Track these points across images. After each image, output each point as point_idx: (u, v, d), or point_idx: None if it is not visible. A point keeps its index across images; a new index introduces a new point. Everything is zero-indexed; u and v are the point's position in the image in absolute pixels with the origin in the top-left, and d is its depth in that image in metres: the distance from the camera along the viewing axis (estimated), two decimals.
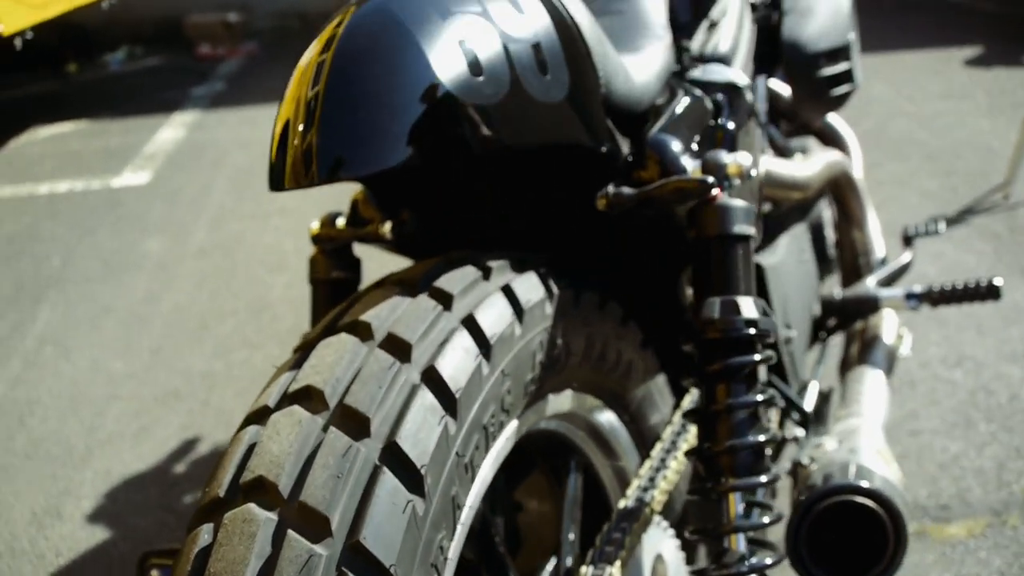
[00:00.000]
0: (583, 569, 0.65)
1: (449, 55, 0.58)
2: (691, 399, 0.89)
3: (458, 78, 0.57)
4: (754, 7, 1.29)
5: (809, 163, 1.26)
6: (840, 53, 1.26)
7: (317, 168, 0.56)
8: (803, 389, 1.21)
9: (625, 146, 0.72)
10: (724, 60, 1.11)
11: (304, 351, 0.56)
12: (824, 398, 1.19)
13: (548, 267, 0.66)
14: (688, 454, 0.71)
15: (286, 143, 0.57)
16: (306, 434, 0.48)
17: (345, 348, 0.52)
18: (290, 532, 0.44)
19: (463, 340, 0.54)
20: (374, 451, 0.48)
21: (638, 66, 0.79)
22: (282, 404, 0.51)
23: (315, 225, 0.86)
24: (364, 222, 0.81)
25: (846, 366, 1.27)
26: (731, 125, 0.85)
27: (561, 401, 0.69)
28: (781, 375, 1.14)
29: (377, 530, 0.45)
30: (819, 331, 1.32)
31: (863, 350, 1.28)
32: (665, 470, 0.76)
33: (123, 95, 4.54)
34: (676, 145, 0.72)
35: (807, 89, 1.27)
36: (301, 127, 0.57)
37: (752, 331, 0.67)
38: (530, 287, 0.62)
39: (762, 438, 0.67)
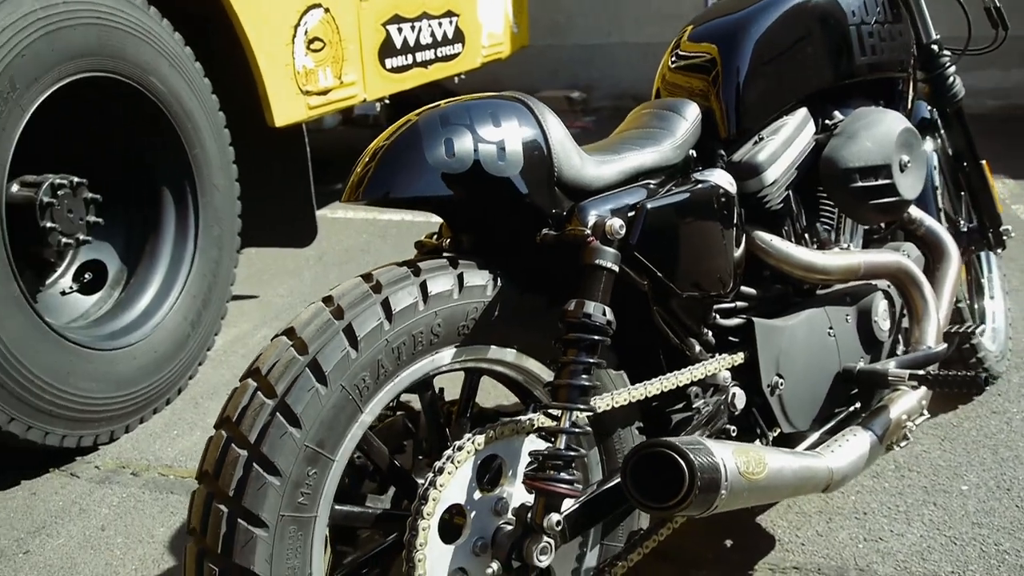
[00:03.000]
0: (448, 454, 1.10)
1: (440, 145, 1.10)
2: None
3: (440, 157, 1.10)
4: (820, 132, 1.62)
5: (840, 256, 1.56)
6: (879, 171, 1.54)
7: (363, 191, 1.11)
8: (796, 434, 1.51)
9: (566, 207, 1.18)
10: (756, 169, 1.49)
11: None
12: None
13: (476, 271, 1.14)
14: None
15: (355, 174, 1.13)
16: (285, 349, 1.03)
17: (319, 309, 1.06)
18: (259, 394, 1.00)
19: (376, 311, 1.04)
20: (309, 366, 1.00)
21: (602, 163, 1.24)
22: (280, 334, 1.06)
23: (422, 238, 1.41)
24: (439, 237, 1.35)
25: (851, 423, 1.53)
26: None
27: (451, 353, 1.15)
28: (768, 412, 1.47)
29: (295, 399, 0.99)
30: (843, 395, 1.58)
31: (869, 415, 1.53)
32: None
33: None
34: (593, 211, 1.17)
35: (841, 199, 1.57)
36: (367, 166, 1.12)
37: (588, 321, 1.09)
38: (440, 282, 1.10)
39: (586, 381, 1.09)
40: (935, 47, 1.93)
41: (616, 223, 1.14)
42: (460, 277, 1.12)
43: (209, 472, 0.99)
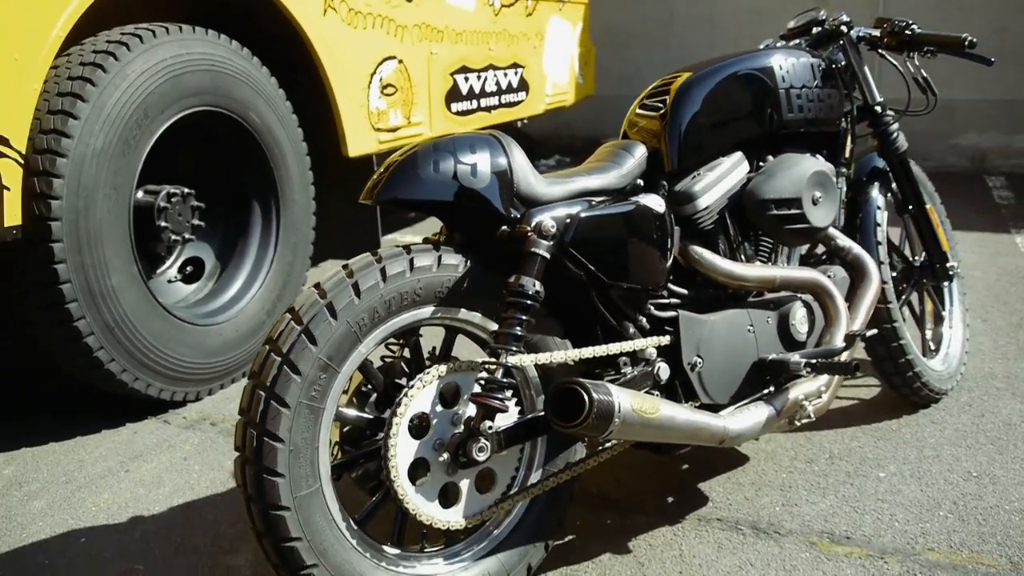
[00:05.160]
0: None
1: (430, 164, 1.59)
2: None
3: (429, 173, 1.58)
4: (753, 171, 2.04)
5: (757, 269, 1.97)
6: (792, 202, 1.95)
7: (375, 195, 1.60)
8: (712, 407, 1.90)
9: (521, 213, 1.64)
10: (690, 196, 1.92)
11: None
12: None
13: (452, 254, 1.61)
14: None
15: (371, 181, 1.62)
16: (312, 295, 1.51)
17: (338, 271, 1.55)
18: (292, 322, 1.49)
19: (375, 274, 1.52)
20: (326, 307, 1.49)
21: (552, 183, 1.70)
22: (312, 287, 1.54)
23: (429, 235, 1.89)
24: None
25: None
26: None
27: (429, 310, 1.60)
28: (689, 385, 1.88)
29: (314, 326, 1.47)
30: (760, 380, 1.97)
31: (773, 393, 1.92)
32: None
33: None
34: (537, 216, 1.62)
35: (761, 224, 1.98)
36: (380, 176, 1.62)
37: (521, 290, 1.54)
38: (424, 259, 1.57)
39: (519, 332, 1.54)
40: (879, 108, 2.33)
41: (549, 223, 1.60)
42: (439, 257, 1.60)
43: (255, 371, 1.48)
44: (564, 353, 1.67)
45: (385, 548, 1.59)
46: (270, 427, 1.44)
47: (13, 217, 2.15)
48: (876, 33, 2.30)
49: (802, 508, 2.05)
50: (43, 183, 2.23)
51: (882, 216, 2.39)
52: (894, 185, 2.47)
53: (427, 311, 1.59)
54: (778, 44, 2.35)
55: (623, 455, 2.21)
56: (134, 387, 2.54)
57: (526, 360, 1.60)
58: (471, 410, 1.57)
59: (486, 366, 1.56)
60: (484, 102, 4.50)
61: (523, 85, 4.91)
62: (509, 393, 1.57)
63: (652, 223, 1.79)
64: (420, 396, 1.54)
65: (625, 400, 1.57)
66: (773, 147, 2.10)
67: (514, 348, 1.56)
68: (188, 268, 2.99)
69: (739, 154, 2.03)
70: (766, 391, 1.95)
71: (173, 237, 2.77)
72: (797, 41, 2.33)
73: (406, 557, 1.61)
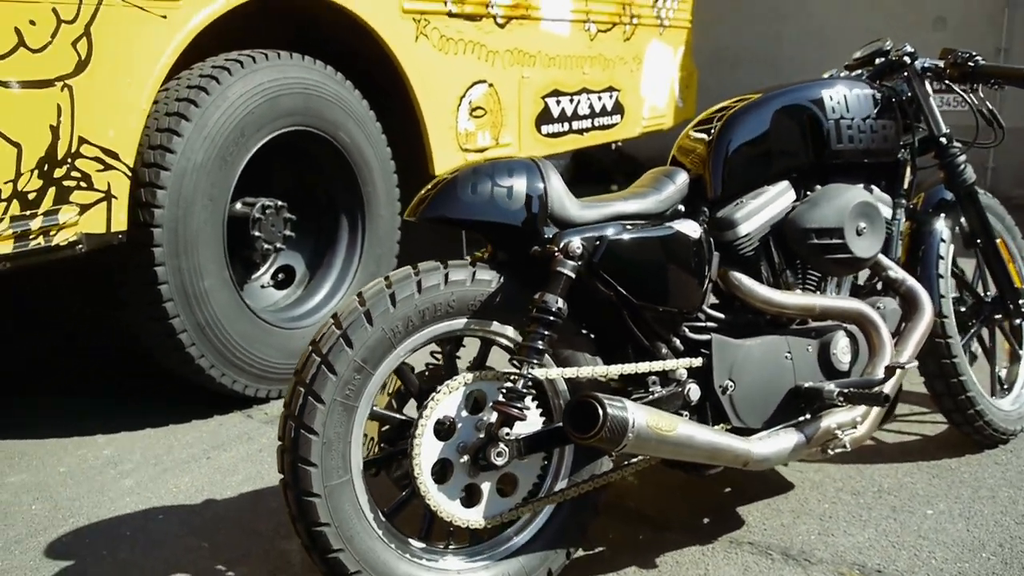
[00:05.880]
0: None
1: (468, 187, 1.71)
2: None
3: (467, 196, 1.70)
4: (799, 200, 2.06)
5: (797, 297, 1.99)
6: (833, 232, 1.97)
7: (420, 213, 1.74)
8: (744, 431, 1.93)
9: (552, 233, 1.74)
10: (731, 223, 1.97)
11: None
12: None
13: (487, 271, 1.72)
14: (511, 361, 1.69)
15: (417, 198, 1.76)
16: (353, 303, 1.65)
17: (379, 282, 1.68)
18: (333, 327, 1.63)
19: (411, 285, 1.65)
20: (364, 314, 1.63)
21: (587, 207, 1.79)
22: (355, 295, 1.69)
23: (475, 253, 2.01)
24: None
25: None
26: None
27: (462, 322, 1.71)
28: (720, 410, 1.92)
29: (351, 331, 1.61)
30: (796, 407, 1.98)
31: (806, 421, 1.94)
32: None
33: None
34: (567, 237, 1.71)
35: (802, 253, 2.00)
36: (426, 194, 1.75)
37: (544, 306, 1.63)
38: (458, 274, 1.69)
39: (541, 346, 1.63)
40: (944, 139, 2.31)
41: (576, 244, 1.69)
42: (473, 273, 1.72)
43: (299, 370, 1.63)
44: (590, 369, 1.75)
45: (411, 541, 1.72)
46: (306, 420, 1.59)
47: (119, 223, 2.42)
48: (940, 64, 2.27)
49: (838, 539, 2.05)
50: (148, 193, 2.49)
51: (946, 249, 2.36)
52: (963, 219, 2.43)
53: (460, 323, 1.71)
54: (841, 74, 2.36)
55: (662, 475, 2.27)
56: (221, 382, 2.77)
57: (551, 374, 1.70)
58: (493, 417, 1.68)
59: (509, 376, 1.66)
60: (576, 124, 4.61)
61: (618, 108, 4.99)
62: (529, 402, 1.67)
63: (686, 248, 1.85)
64: (446, 401, 1.66)
65: (641, 416, 1.64)
66: (823, 177, 2.12)
67: (535, 361, 1.65)
68: (280, 275, 3.23)
69: (785, 183, 2.06)
70: (802, 419, 1.97)
71: (266, 246, 3.00)
72: (859, 72, 2.33)
73: (430, 552, 1.72)
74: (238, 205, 2.95)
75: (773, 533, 2.08)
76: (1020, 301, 2.47)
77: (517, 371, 1.65)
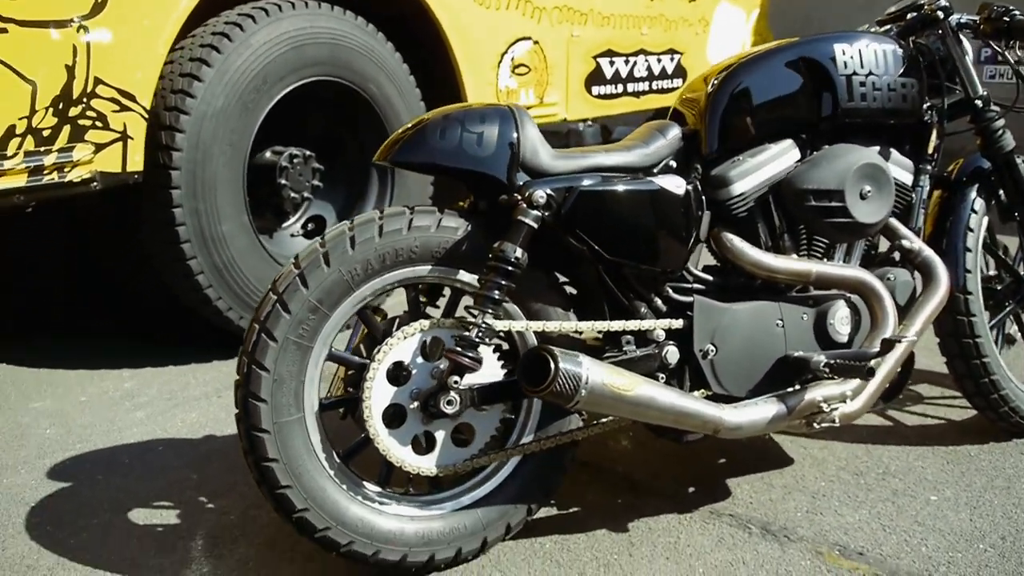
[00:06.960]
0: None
1: (438, 132, 1.67)
2: None
3: (436, 141, 1.67)
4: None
5: (790, 261, 1.88)
6: (833, 195, 1.85)
7: (390, 157, 1.71)
8: (728, 399, 1.85)
9: (523, 181, 1.69)
10: (725, 181, 1.88)
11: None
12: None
13: (454, 218, 1.68)
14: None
15: (387, 142, 1.74)
16: (314, 245, 1.65)
17: (342, 225, 1.66)
18: (292, 267, 1.63)
19: (372, 229, 1.63)
20: (322, 255, 1.62)
21: (562, 157, 1.73)
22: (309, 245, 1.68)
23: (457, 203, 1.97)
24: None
25: None
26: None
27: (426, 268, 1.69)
28: (700, 375, 1.85)
29: (307, 271, 1.60)
30: (785, 376, 1.89)
31: (791, 391, 1.84)
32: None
33: None
34: (534, 186, 1.65)
35: (799, 216, 1.89)
36: (396, 140, 1.73)
37: (503, 255, 1.59)
38: (423, 219, 1.66)
39: (497, 296, 1.59)
40: (980, 102, 2.14)
41: (540, 193, 1.64)
42: (439, 220, 1.69)
43: (256, 309, 1.65)
44: (557, 324, 1.71)
45: (366, 484, 1.72)
46: (258, 357, 1.60)
47: (135, 164, 2.48)
48: (976, 20, 2.10)
49: (826, 517, 1.95)
50: (167, 136, 2.55)
51: (977, 221, 2.19)
52: (1001, 190, 2.25)
53: (424, 269, 1.69)
54: (872, 29, 2.21)
55: (657, 442, 2.21)
56: (240, 324, 2.83)
57: (515, 326, 1.66)
58: (444, 365, 1.66)
59: (464, 324, 1.63)
60: (631, 87, 4.49)
61: (679, 72, 4.84)
62: (483, 352, 1.64)
63: (667, 205, 1.77)
64: (401, 347, 1.64)
65: (596, 373, 1.59)
66: (835, 138, 1.99)
67: (490, 311, 1.62)
68: (311, 225, 3.26)
69: (788, 141, 1.94)
70: (789, 389, 1.87)
71: (293, 195, 3.04)
72: (888, 27, 2.17)
73: (384, 496, 1.72)
74: (268, 153, 2.99)
75: (758, 507, 1.99)
76: None
77: (472, 320, 1.62)
